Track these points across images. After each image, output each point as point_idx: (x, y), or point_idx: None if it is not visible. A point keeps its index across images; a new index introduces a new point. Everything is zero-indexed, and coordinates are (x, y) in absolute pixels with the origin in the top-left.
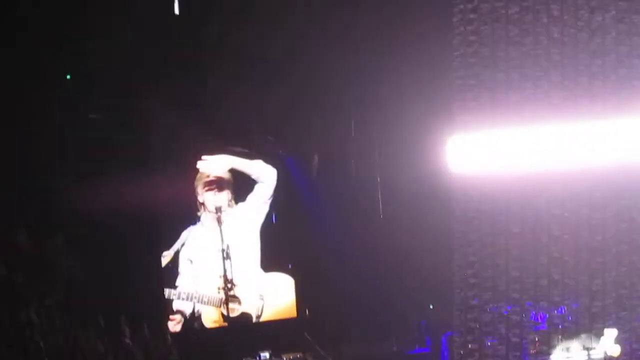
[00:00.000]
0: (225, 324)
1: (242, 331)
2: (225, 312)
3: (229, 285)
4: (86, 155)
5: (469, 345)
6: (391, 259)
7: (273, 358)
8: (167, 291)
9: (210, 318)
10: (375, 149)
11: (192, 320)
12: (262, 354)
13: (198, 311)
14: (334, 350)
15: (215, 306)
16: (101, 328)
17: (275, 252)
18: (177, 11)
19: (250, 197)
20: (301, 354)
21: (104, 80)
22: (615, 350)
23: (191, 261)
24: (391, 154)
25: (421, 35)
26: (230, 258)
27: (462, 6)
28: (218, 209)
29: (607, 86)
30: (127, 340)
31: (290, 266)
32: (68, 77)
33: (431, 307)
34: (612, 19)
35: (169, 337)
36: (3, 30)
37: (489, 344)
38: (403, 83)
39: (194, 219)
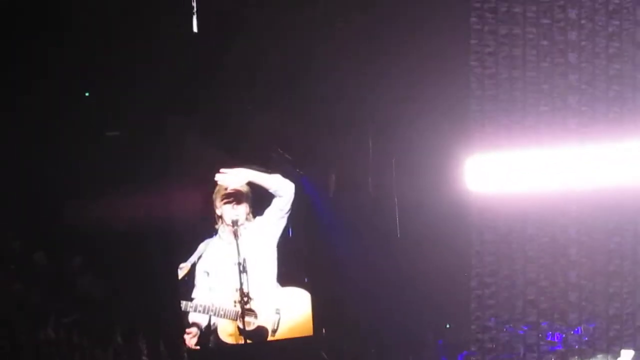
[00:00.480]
0: (242, 337)
1: (258, 349)
2: (241, 326)
3: (245, 299)
4: (104, 173)
5: None
6: (408, 278)
7: None
8: (183, 303)
9: (226, 331)
10: (393, 168)
11: (208, 334)
12: None
13: (214, 324)
14: None
15: (232, 319)
16: (118, 345)
17: (292, 267)
18: (195, 29)
19: (268, 211)
20: None
21: (123, 99)
22: None
23: (208, 273)
24: (408, 174)
25: (439, 56)
26: (246, 271)
27: (479, 27)
28: (235, 222)
29: (625, 109)
30: (145, 358)
31: (306, 280)
32: (87, 94)
33: (448, 326)
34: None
35: (185, 354)
36: (24, 47)
37: None
38: (421, 103)
39: (211, 232)
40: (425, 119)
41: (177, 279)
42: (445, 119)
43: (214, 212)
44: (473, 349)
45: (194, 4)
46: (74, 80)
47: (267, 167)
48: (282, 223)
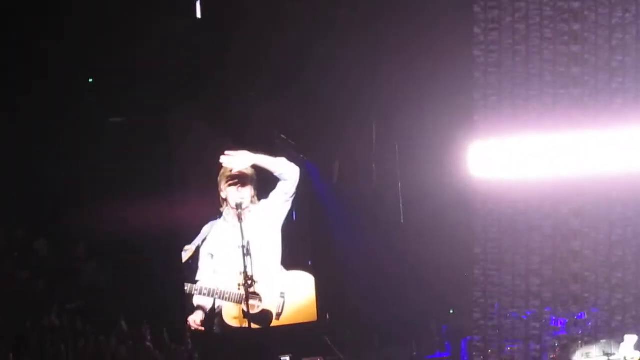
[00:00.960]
0: (246, 320)
1: (262, 335)
2: (245, 309)
3: (250, 282)
4: (107, 162)
5: (489, 350)
6: (412, 264)
7: None
8: (187, 286)
9: (231, 314)
10: (396, 155)
11: (213, 317)
12: (282, 358)
13: (219, 307)
14: (354, 355)
15: (236, 302)
16: (122, 332)
17: (296, 251)
18: (199, 14)
19: (272, 194)
20: (321, 358)
21: (125, 88)
22: (635, 356)
23: (212, 256)
24: (412, 161)
25: (443, 45)
26: (250, 254)
27: (482, 16)
28: (239, 206)
29: (628, 94)
30: (149, 344)
31: (310, 263)
32: (90, 80)
33: (452, 312)
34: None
35: (189, 341)
36: (26, 36)
37: (508, 349)
38: (425, 91)
39: (216, 215)
40: (428, 106)
41: (181, 263)
42: (448, 106)
43: (219, 195)
44: (476, 334)
45: None
46: (75, 73)
47: (271, 153)
48: (287, 206)
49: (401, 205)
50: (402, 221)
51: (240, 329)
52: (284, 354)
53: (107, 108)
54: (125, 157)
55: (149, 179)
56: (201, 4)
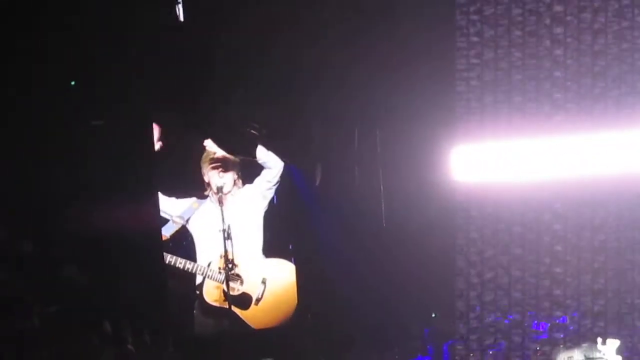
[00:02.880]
0: (226, 302)
1: (243, 336)
2: (226, 289)
3: (230, 266)
4: (87, 160)
5: (471, 354)
6: (394, 267)
7: None
8: (167, 257)
9: (212, 294)
10: (378, 157)
11: (193, 298)
12: None
13: (199, 286)
14: (336, 358)
15: (218, 282)
16: (103, 334)
17: (278, 236)
18: (181, 18)
19: (257, 180)
20: None
21: (110, 89)
22: None
23: (195, 236)
24: (394, 163)
25: (424, 44)
26: (231, 239)
27: (465, 14)
28: (220, 189)
29: (610, 96)
30: (129, 346)
31: (290, 247)
32: (72, 83)
33: (434, 315)
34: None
35: (170, 344)
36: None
37: (490, 352)
38: (406, 92)
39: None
40: (412, 108)
41: (163, 261)
42: (431, 107)
43: (202, 179)
44: (458, 338)
45: None
46: (57, 75)
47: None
48: (270, 194)
49: (383, 209)
50: (384, 224)
51: (221, 309)
52: (265, 356)
53: (89, 110)
54: (108, 159)
55: (131, 180)
56: (184, 7)
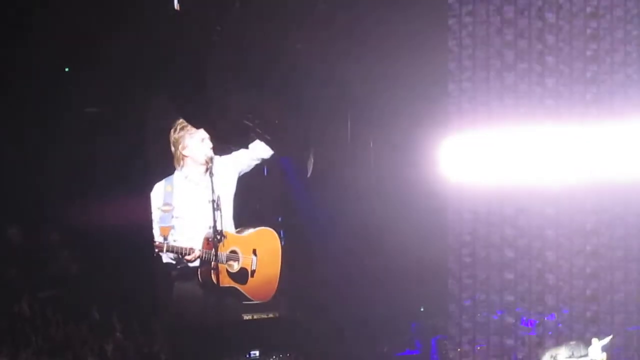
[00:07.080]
0: (227, 279)
1: (232, 328)
2: (214, 265)
3: (219, 237)
4: (80, 149)
5: (459, 349)
6: (384, 261)
7: (263, 357)
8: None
9: (214, 275)
10: (371, 152)
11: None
12: (252, 353)
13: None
14: (324, 351)
15: (221, 262)
16: (94, 321)
17: (265, 207)
18: (177, 6)
19: (236, 152)
20: (291, 354)
21: (104, 77)
22: (603, 358)
23: (178, 218)
24: (386, 158)
25: (416, 39)
26: (220, 209)
27: (457, 10)
28: (210, 160)
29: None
30: (119, 334)
31: (280, 219)
32: (67, 69)
33: (422, 310)
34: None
35: (160, 333)
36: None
37: (478, 348)
38: (399, 86)
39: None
40: (404, 103)
41: (152, 256)
42: (423, 107)
43: (177, 154)
44: (446, 333)
45: None
46: (51, 62)
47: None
48: (250, 166)
49: (374, 203)
50: (375, 223)
51: (228, 288)
52: (254, 348)
53: (83, 97)
54: (101, 147)
55: (124, 169)
56: None
